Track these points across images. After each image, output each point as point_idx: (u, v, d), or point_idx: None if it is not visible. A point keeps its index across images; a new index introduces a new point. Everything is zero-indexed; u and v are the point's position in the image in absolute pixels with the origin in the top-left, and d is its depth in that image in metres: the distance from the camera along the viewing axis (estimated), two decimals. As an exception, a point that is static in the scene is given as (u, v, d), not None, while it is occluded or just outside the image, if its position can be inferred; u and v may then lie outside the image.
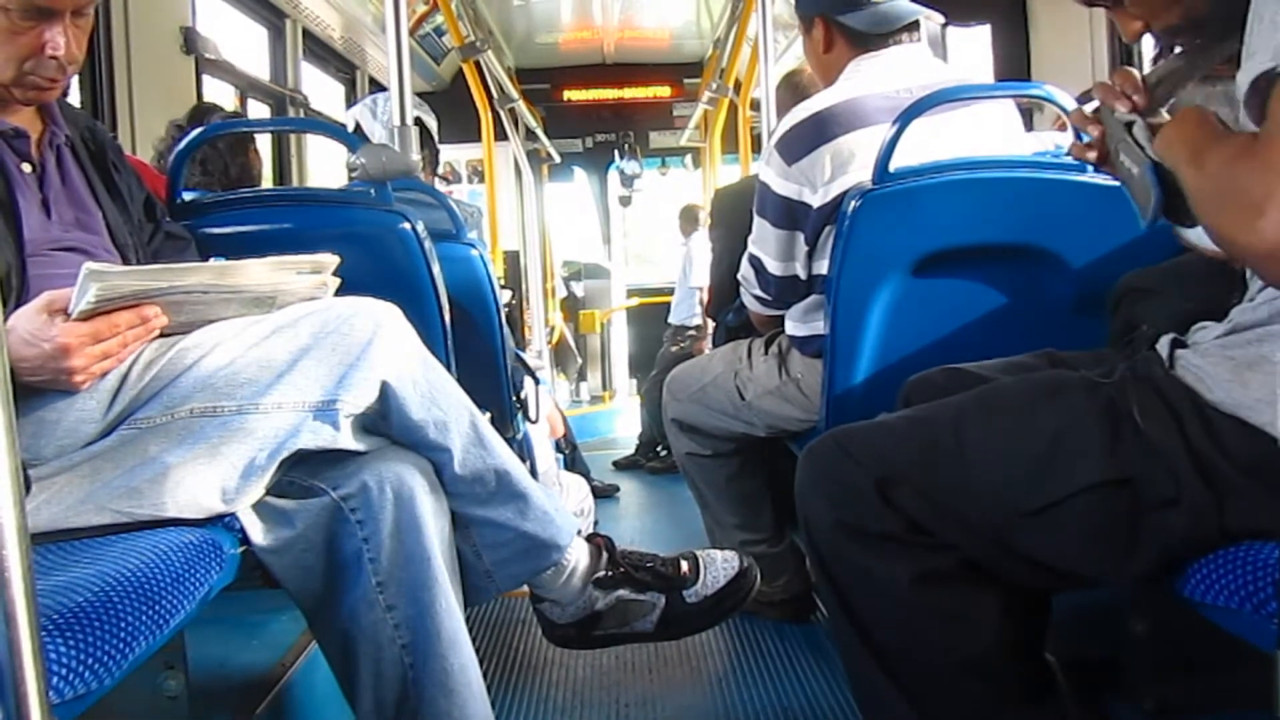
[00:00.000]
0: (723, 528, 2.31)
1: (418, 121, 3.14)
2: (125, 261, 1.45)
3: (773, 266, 1.96)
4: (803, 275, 1.94)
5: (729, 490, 2.30)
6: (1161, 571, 1.08)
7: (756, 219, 1.98)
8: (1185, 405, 1.05)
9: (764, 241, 1.97)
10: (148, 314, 1.21)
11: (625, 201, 8.21)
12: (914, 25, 1.97)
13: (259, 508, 1.29)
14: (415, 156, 1.80)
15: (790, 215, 1.89)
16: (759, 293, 2.04)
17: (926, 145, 1.75)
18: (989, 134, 1.91)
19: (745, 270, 2.07)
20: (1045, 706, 1.20)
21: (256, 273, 1.30)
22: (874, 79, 1.90)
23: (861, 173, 1.78)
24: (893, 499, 1.16)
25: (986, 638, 1.16)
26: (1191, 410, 1.05)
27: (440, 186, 3.40)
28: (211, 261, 1.32)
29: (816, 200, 1.85)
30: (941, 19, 2.03)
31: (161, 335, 1.26)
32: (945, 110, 1.80)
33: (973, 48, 4.18)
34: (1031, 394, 1.17)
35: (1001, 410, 1.17)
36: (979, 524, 1.13)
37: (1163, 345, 1.14)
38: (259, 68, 4.16)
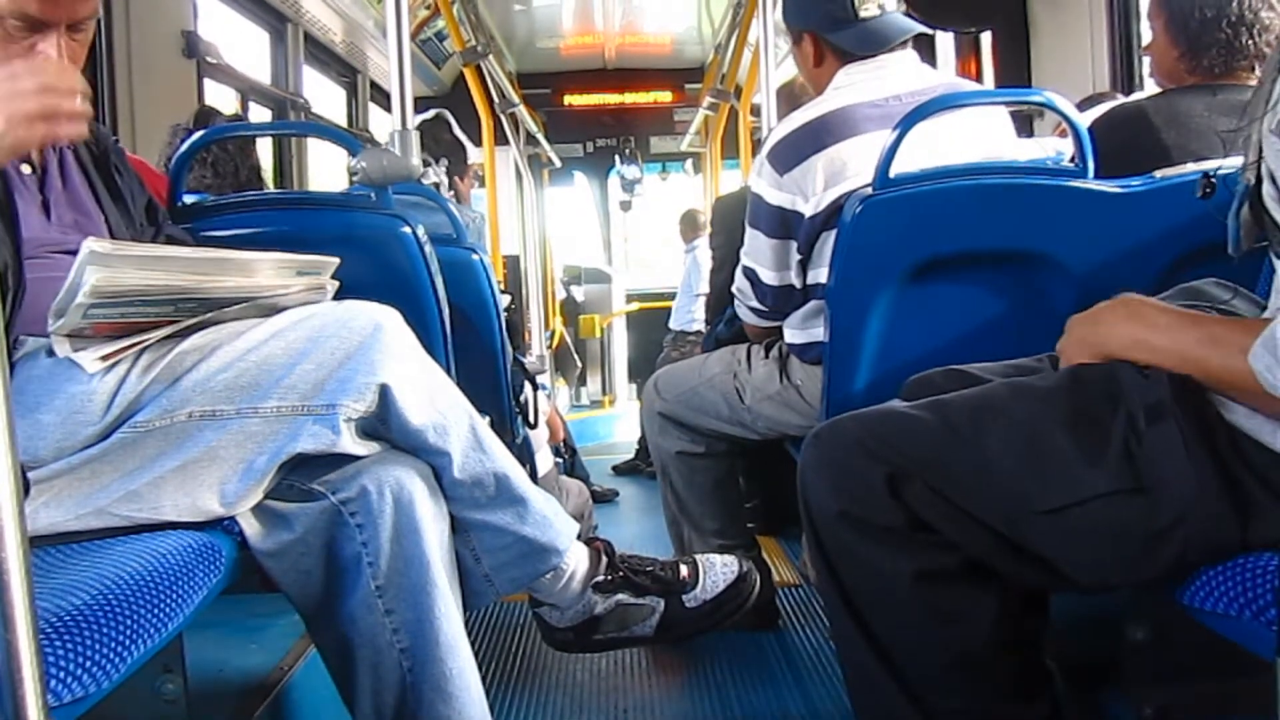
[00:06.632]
0: (701, 535, 2.28)
1: (449, 134, 3.15)
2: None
3: (768, 277, 1.96)
4: (798, 284, 1.94)
5: (714, 495, 2.28)
6: (1173, 578, 1.08)
7: (749, 230, 1.98)
8: (1211, 414, 1.05)
9: (758, 252, 1.97)
10: None
11: (626, 206, 8.23)
12: None
13: (258, 511, 1.29)
14: (415, 160, 1.80)
15: (784, 225, 1.90)
16: (755, 304, 2.04)
17: (918, 151, 1.75)
18: (983, 138, 1.91)
19: (740, 283, 2.07)
20: (1041, 705, 1.21)
21: (258, 267, 1.30)
22: (864, 88, 1.91)
23: (854, 181, 1.79)
24: (901, 493, 1.15)
25: (983, 636, 1.16)
26: (1217, 419, 1.04)
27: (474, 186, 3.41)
28: (215, 251, 1.31)
29: (809, 209, 1.85)
30: (929, 32, 2.03)
31: (161, 338, 1.26)
32: (937, 115, 1.80)
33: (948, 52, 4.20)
34: (1052, 392, 1.15)
35: (1022, 407, 1.15)
36: (990, 520, 1.12)
37: None
38: (260, 71, 4.16)
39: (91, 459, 1.22)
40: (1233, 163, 1.13)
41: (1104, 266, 1.70)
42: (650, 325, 7.34)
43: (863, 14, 1.93)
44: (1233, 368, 1.01)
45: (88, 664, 0.90)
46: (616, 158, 7.90)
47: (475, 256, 2.19)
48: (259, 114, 4.05)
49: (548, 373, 6.07)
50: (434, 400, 1.35)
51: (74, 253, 1.36)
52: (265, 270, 1.32)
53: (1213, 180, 1.27)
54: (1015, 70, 3.84)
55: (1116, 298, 1.18)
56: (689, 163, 8.33)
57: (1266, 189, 1.02)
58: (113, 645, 0.93)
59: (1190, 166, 1.72)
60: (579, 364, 7.58)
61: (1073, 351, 1.20)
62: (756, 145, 4.35)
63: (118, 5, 2.83)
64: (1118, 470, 1.06)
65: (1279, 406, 0.99)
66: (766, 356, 2.10)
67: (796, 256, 1.91)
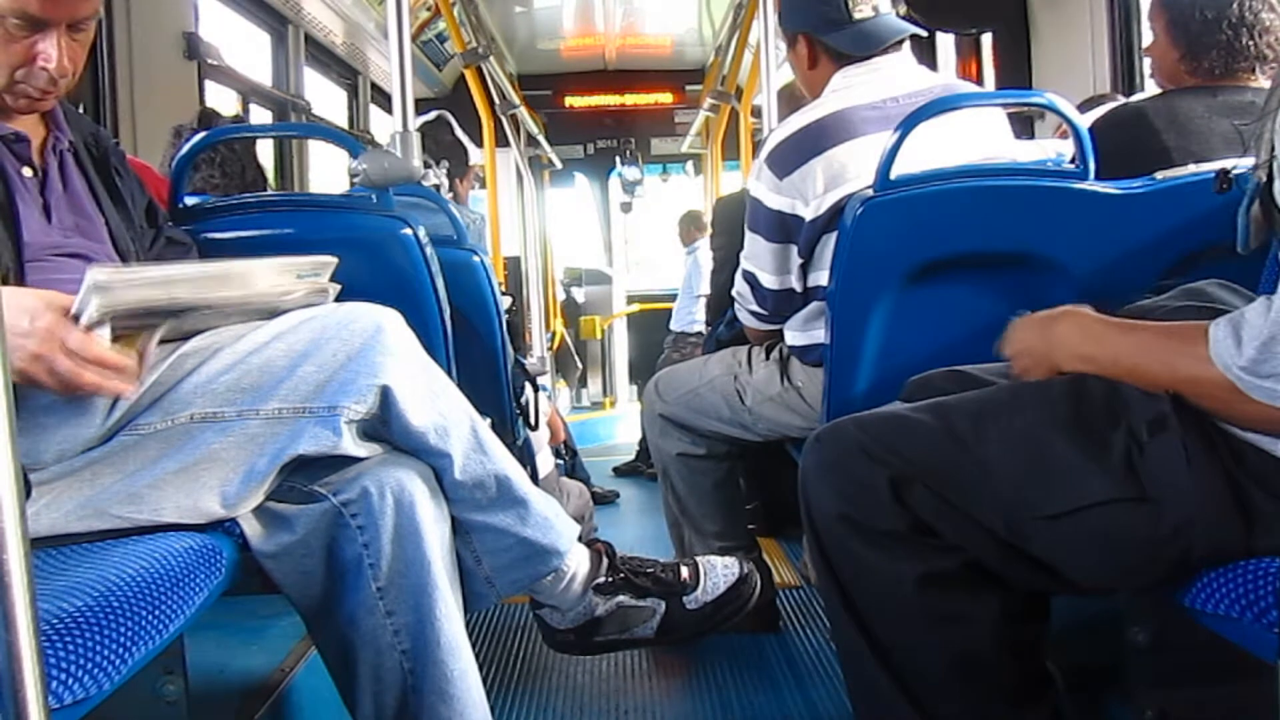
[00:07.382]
0: (702, 537, 2.28)
1: (450, 135, 3.16)
2: (127, 268, 1.45)
3: (768, 280, 1.96)
4: (798, 288, 1.94)
5: (715, 496, 2.27)
6: (1175, 581, 1.08)
7: (749, 234, 1.98)
8: (1213, 424, 1.05)
9: (758, 256, 1.96)
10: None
11: (626, 208, 8.23)
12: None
13: (259, 512, 1.29)
14: (416, 162, 1.80)
15: (784, 229, 1.89)
16: (755, 308, 2.04)
17: (917, 153, 1.75)
18: (982, 138, 1.91)
19: (740, 286, 2.07)
20: (1042, 708, 1.20)
21: (259, 275, 1.30)
22: (861, 90, 1.90)
23: (854, 184, 1.79)
24: (905, 497, 1.15)
25: (985, 639, 1.16)
26: (1218, 429, 1.05)
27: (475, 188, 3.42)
28: (215, 263, 1.31)
29: (809, 213, 1.85)
30: (924, 33, 2.03)
31: (162, 341, 1.26)
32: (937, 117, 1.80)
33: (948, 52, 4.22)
34: (1054, 397, 1.15)
35: (1024, 412, 1.15)
36: (991, 523, 1.12)
37: None
38: (261, 73, 4.16)
39: (93, 461, 1.22)
40: (1246, 162, 1.14)
41: (1104, 268, 1.70)
42: (651, 327, 7.33)
43: (857, 15, 1.93)
44: (1163, 372, 1.06)
45: (89, 665, 0.90)
46: (617, 159, 7.90)
47: (476, 258, 2.19)
48: (260, 116, 4.05)
49: (548, 374, 6.08)
50: (435, 402, 1.35)
51: (75, 255, 1.37)
52: (267, 278, 1.32)
53: (1230, 176, 1.27)
54: (1016, 71, 3.83)
55: (1061, 310, 1.22)
56: (690, 164, 8.34)
57: (1278, 186, 1.03)
58: (113, 647, 0.93)
59: (1190, 168, 1.72)
60: (580, 365, 7.58)
61: (1026, 364, 1.24)
62: (757, 147, 4.35)
63: (118, 6, 2.83)
64: (1119, 479, 1.06)
65: (1231, 410, 1.01)
66: (767, 358, 2.10)
67: (797, 260, 1.91)
